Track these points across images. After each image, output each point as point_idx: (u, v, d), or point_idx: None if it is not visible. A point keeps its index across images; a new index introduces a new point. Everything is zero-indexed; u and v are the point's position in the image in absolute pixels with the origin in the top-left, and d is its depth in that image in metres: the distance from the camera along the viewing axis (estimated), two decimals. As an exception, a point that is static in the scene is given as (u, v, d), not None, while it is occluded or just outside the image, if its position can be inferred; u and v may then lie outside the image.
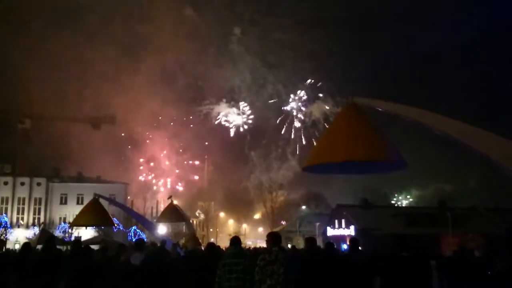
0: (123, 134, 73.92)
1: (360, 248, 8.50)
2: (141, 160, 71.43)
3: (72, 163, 68.41)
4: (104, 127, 74.95)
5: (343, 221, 50.44)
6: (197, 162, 76.54)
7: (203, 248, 15.07)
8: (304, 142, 71.18)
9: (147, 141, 71.91)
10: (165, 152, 74.70)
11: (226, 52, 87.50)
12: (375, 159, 6.11)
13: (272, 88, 78.96)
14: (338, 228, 51.35)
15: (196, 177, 76.27)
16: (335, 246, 8.00)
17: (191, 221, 56.32)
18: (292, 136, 73.15)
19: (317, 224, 56.34)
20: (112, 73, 77.40)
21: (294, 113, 74.15)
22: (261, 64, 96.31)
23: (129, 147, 72.07)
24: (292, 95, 75.30)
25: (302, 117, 72.94)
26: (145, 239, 43.87)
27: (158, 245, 12.50)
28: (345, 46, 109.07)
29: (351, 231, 47.27)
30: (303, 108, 72.69)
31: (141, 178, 69.52)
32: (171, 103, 73.97)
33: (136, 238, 49.41)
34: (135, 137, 71.55)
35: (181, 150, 75.56)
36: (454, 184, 68.55)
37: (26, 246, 10.69)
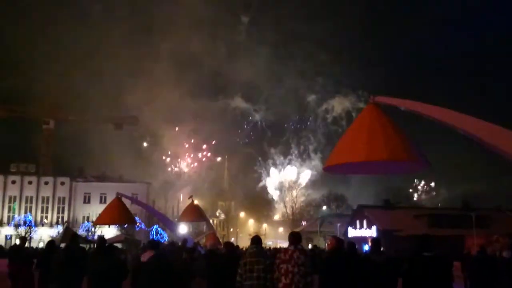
0: (142, 133, 74.26)
1: (382, 248, 8.41)
2: (163, 158, 71.55)
3: (95, 163, 69.45)
4: (126, 126, 75.88)
5: (364, 221, 50.03)
6: (218, 159, 75.58)
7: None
8: (325, 140, 69.22)
9: (166, 139, 71.92)
10: (186, 146, 74.20)
11: (236, 43, 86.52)
12: (397, 159, 6.04)
13: (289, 81, 76.97)
14: (359, 229, 50.96)
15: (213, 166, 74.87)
16: (356, 247, 7.94)
17: (211, 221, 56.56)
18: (312, 134, 71.27)
19: (338, 224, 56.01)
20: (129, 72, 78.08)
21: (314, 109, 71.95)
22: (274, 56, 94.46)
23: (150, 146, 72.31)
24: (311, 90, 73.05)
25: (323, 113, 70.84)
26: (166, 238, 44.27)
27: (179, 243, 12.61)
28: (365, 36, 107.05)
29: (372, 232, 46.84)
30: (323, 104, 70.50)
31: (162, 177, 69.80)
32: (187, 99, 73.80)
33: (158, 237, 49.96)
34: (154, 136, 71.76)
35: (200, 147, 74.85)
36: (485, 184, 67.07)
37: (51, 243, 10.87)
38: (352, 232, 51.85)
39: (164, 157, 72.00)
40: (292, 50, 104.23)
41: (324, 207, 70.72)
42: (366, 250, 30.46)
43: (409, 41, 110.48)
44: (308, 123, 72.13)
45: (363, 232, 49.21)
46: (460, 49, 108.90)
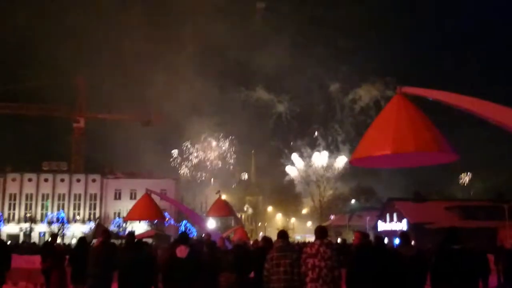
0: (169, 129, 74.47)
1: (412, 242, 8.29)
2: (191, 153, 71.43)
3: (125, 159, 70.51)
4: (153, 123, 76.86)
5: (394, 215, 49.40)
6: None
7: (251, 242, 15.16)
8: (354, 130, 66.71)
9: (192, 134, 71.55)
10: (213, 141, 73.54)
11: (254, 32, 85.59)
12: (425, 150, 5.90)
13: (312, 70, 74.98)
14: (389, 222, 50.35)
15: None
16: (385, 241, 7.83)
17: (239, 215, 56.52)
18: (340, 124, 68.78)
19: (368, 218, 55.48)
20: (151, 68, 78.21)
21: (340, 98, 69.13)
22: (295, 44, 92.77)
23: (177, 141, 72.38)
24: (335, 78, 70.30)
25: (350, 103, 67.95)
26: (195, 233, 44.72)
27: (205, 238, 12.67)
28: (390, 20, 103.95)
29: (403, 225, 46.22)
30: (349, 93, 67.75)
31: (190, 172, 70.01)
32: (209, 92, 73.34)
33: (187, 232, 50.54)
34: (181, 131, 71.76)
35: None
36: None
37: (82, 240, 11.10)
38: (382, 226, 51.27)
39: (191, 152, 72.01)
40: (314, 37, 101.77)
41: (353, 201, 69.88)
42: (396, 244, 30.07)
43: (438, 24, 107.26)
44: (335, 113, 69.94)
45: (393, 225, 48.60)
46: (498, 33, 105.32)
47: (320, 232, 6.68)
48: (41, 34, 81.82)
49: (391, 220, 50.09)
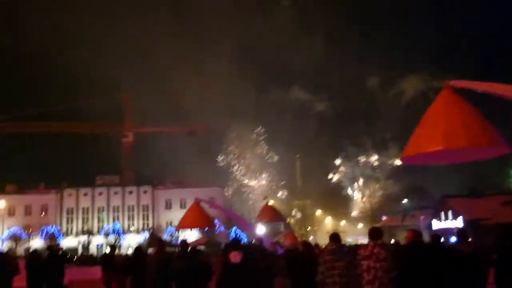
0: (213, 138, 74.48)
1: (469, 239, 8.04)
2: (234, 159, 71.13)
3: (173, 170, 71.58)
4: (198, 133, 77.90)
5: (449, 212, 47.91)
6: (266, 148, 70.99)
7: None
8: (402, 126, 63.76)
9: (234, 140, 70.75)
10: (255, 146, 72.09)
11: (284, 31, 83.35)
12: (477, 145, 5.74)
13: (350, 65, 71.69)
14: (444, 221, 48.87)
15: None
16: (441, 239, 7.63)
17: (287, 220, 56.06)
18: (386, 120, 65.94)
19: (422, 217, 53.99)
20: (187, 76, 78.48)
21: (383, 93, 65.80)
22: (324, 40, 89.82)
23: (220, 149, 71.77)
24: (376, 73, 66.86)
25: (395, 97, 64.79)
26: (245, 239, 45.06)
27: (257, 243, 12.75)
28: (429, 8, 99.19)
29: (458, 222, 44.73)
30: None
31: (236, 180, 70.05)
32: (247, 96, 72.04)
33: (238, 238, 50.84)
34: (223, 138, 71.17)
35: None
36: None
37: (138, 249, 11.42)
38: (436, 224, 49.81)
39: (235, 159, 71.60)
40: (347, 31, 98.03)
41: (405, 200, 67.96)
42: (453, 242, 29.11)
43: (482, 7, 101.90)
44: (380, 109, 67.16)
45: (449, 223, 47.13)
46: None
47: (374, 233, 6.60)
48: (81, 59, 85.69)
49: (446, 218, 48.59)
